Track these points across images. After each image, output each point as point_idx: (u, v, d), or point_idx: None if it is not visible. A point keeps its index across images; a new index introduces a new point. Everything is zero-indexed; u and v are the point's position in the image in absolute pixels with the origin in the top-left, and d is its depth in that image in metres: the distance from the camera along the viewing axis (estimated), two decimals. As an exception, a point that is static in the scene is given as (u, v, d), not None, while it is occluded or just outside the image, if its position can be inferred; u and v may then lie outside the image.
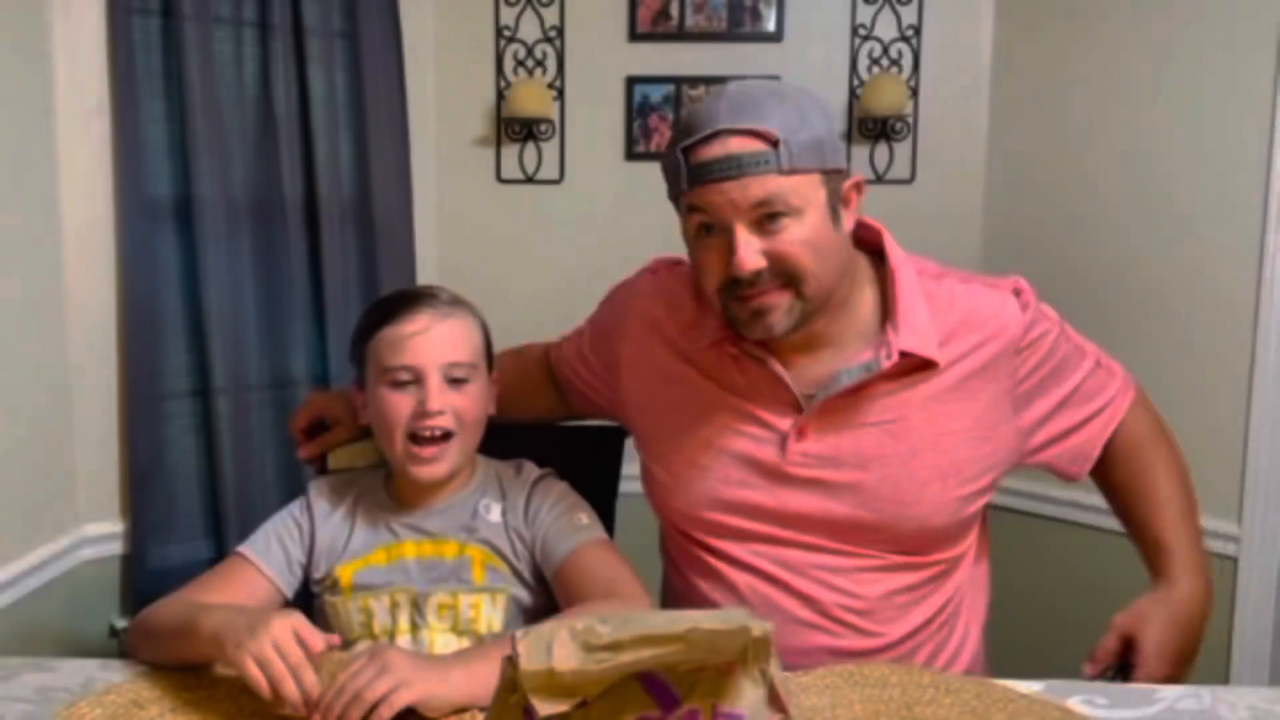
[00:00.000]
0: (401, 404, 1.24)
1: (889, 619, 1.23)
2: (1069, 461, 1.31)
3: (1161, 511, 1.29)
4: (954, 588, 1.28)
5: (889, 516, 1.21)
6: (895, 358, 1.17)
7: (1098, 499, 1.37)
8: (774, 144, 1.09)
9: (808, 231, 1.12)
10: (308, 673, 0.97)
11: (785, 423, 1.22)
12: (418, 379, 1.24)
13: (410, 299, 1.28)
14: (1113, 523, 1.37)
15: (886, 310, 1.21)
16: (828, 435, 1.21)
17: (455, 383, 1.25)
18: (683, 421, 1.28)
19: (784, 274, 1.14)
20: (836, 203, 1.15)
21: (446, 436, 1.24)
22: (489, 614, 1.25)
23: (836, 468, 1.21)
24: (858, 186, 1.18)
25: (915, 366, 1.20)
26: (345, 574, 1.27)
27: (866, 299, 1.23)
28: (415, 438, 1.24)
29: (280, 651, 0.97)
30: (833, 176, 1.14)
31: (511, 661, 0.69)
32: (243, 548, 1.28)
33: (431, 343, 1.24)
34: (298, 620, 1.01)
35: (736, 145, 1.10)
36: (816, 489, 1.21)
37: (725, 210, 1.12)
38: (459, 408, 1.24)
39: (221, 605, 1.11)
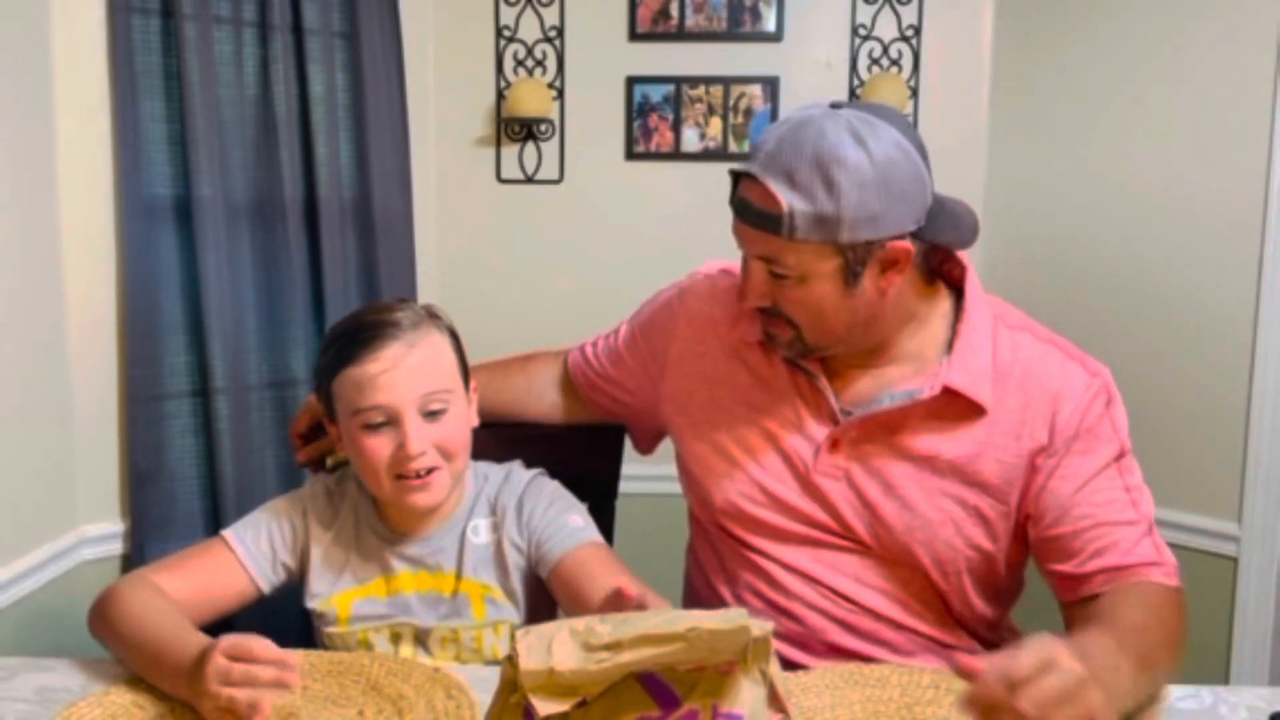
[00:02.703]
0: (380, 447, 1.17)
1: (923, 619, 1.23)
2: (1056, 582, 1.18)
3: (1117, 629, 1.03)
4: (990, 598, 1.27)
5: (900, 550, 1.20)
6: (938, 390, 1.15)
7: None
8: (780, 213, 1.08)
9: (809, 295, 1.13)
10: (264, 671, 0.96)
11: (822, 431, 1.22)
12: (393, 419, 1.17)
13: (371, 331, 1.18)
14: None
15: (951, 346, 1.19)
16: (859, 453, 1.20)
17: (434, 414, 1.18)
18: (723, 420, 1.28)
19: (785, 317, 1.16)
20: (859, 268, 1.11)
21: (432, 469, 1.20)
22: (492, 644, 1.24)
23: (859, 490, 1.20)
24: (900, 254, 1.11)
25: (961, 409, 1.17)
26: (344, 603, 1.25)
27: (936, 331, 1.21)
28: (400, 476, 1.19)
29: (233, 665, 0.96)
30: (853, 247, 1.09)
31: (511, 661, 0.70)
32: (228, 533, 1.25)
33: (402, 379, 1.16)
34: (233, 640, 0.99)
35: (756, 197, 1.11)
36: (839, 505, 1.21)
37: (745, 245, 1.16)
38: (440, 440, 1.19)
39: (180, 648, 1.06)
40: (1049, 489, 1.16)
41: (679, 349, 1.34)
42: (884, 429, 1.20)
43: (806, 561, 1.24)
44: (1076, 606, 1.16)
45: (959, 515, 1.18)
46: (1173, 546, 1.98)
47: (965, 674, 0.83)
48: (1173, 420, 2.13)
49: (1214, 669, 2.09)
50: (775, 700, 0.74)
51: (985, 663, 0.83)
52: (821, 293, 1.12)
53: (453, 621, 1.24)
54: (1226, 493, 2.07)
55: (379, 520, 1.28)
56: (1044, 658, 0.83)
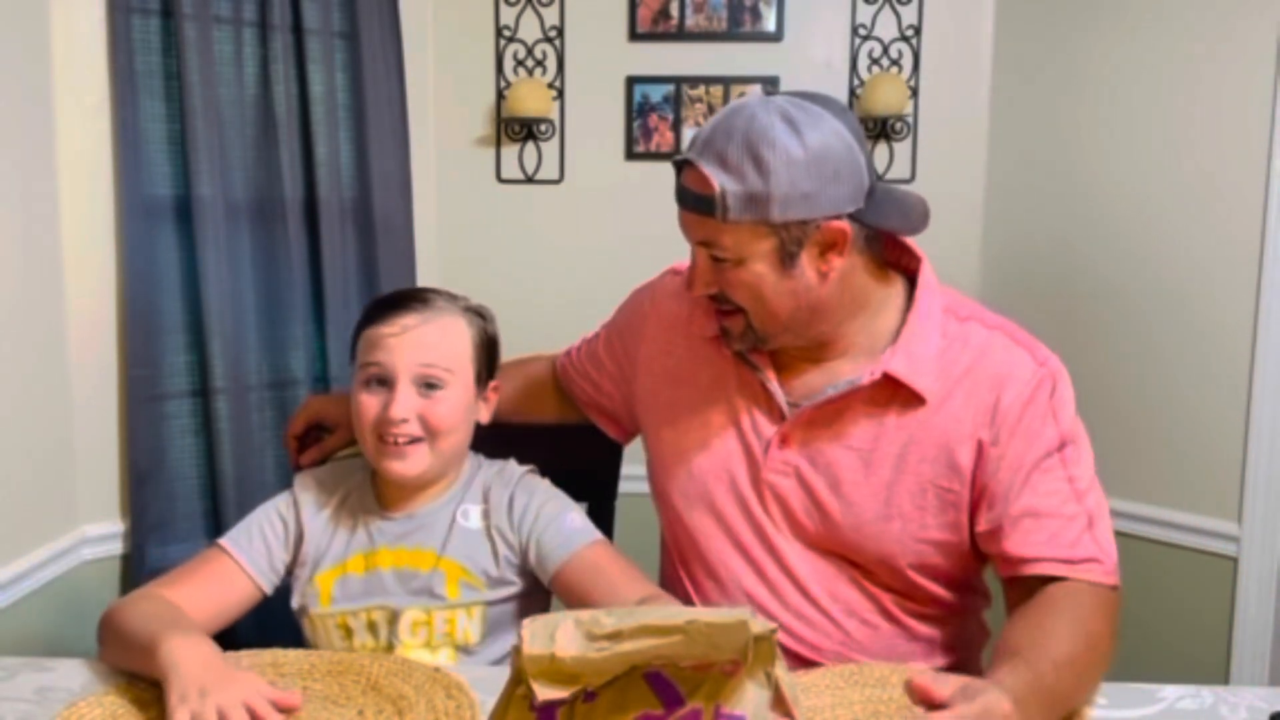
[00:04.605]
0: (371, 404, 1.22)
1: (859, 633, 1.23)
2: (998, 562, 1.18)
3: (1039, 653, 1.03)
4: (954, 628, 1.26)
5: (851, 546, 1.20)
6: (878, 376, 1.16)
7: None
8: (713, 194, 1.09)
9: (747, 276, 1.13)
10: None
11: (771, 429, 1.22)
12: (388, 381, 1.21)
13: (402, 300, 1.25)
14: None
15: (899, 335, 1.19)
16: (808, 447, 1.21)
17: (429, 387, 1.22)
18: (682, 419, 1.28)
19: (731, 302, 1.17)
20: (794, 249, 1.11)
21: (414, 440, 1.22)
22: (464, 626, 1.24)
23: (808, 485, 1.21)
24: (837, 235, 1.11)
25: (905, 398, 1.17)
26: (325, 583, 1.27)
27: (887, 322, 1.21)
28: (381, 439, 1.23)
29: None
30: (787, 227, 1.10)
31: (519, 651, 0.70)
32: (223, 540, 1.27)
33: (405, 344, 1.21)
34: (255, 690, 0.98)
35: (692, 182, 1.13)
36: (790, 502, 1.22)
37: (687, 231, 1.17)
38: (428, 414, 1.21)
39: (187, 634, 1.07)
40: (997, 478, 1.15)
41: (648, 350, 1.35)
42: (829, 419, 1.20)
43: (757, 558, 1.24)
44: (1014, 585, 1.15)
45: (907, 510, 1.18)
46: (1173, 546, 1.99)
47: (914, 696, 0.88)
48: (1173, 420, 2.13)
49: (1214, 669, 2.09)
50: (781, 704, 0.74)
51: (929, 686, 0.88)
52: (759, 274, 1.13)
53: (425, 601, 1.24)
54: (1226, 493, 2.07)
55: (372, 497, 1.30)
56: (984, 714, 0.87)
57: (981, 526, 1.17)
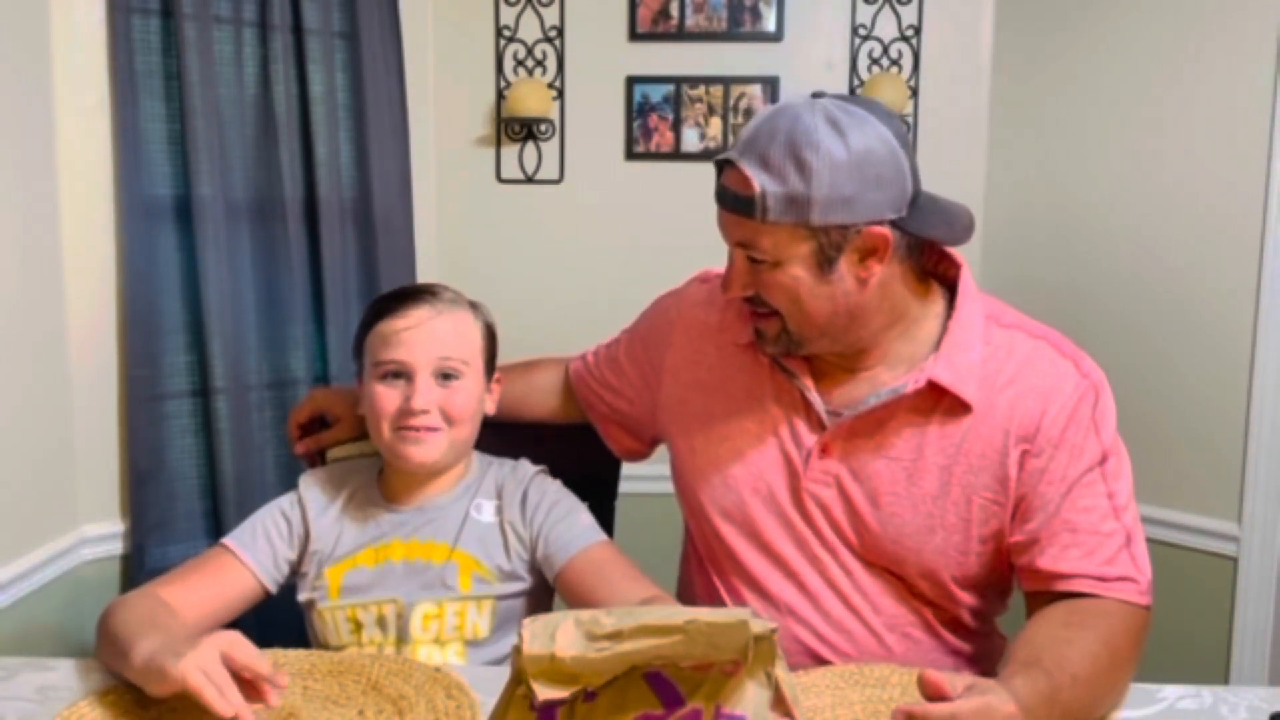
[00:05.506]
0: (390, 398, 1.24)
1: (899, 647, 1.22)
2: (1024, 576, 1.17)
3: (1061, 671, 1.00)
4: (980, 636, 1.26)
5: (892, 557, 1.19)
6: (923, 384, 1.14)
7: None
8: (753, 194, 1.08)
9: (784, 280, 1.12)
10: (233, 690, 0.94)
11: (812, 438, 1.21)
12: (407, 374, 1.24)
13: (410, 294, 1.28)
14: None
15: (940, 343, 1.17)
16: (850, 458, 1.19)
17: (446, 378, 1.25)
18: (716, 428, 1.27)
19: (767, 305, 1.16)
20: (834, 254, 1.10)
21: (432, 430, 1.25)
22: (474, 620, 1.25)
23: (848, 496, 1.19)
24: (878, 241, 1.10)
25: (949, 406, 1.15)
26: (334, 576, 1.27)
27: (928, 330, 1.19)
28: (401, 429, 1.24)
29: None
30: (826, 231, 1.09)
31: (519, 652, 0.70)
32: (227, 539, 1.28)
33: (423, 338, 1.24)
34: (234, 638, 0.98)
35: (733, 182, 1.12)
36: (832, 511, 1.21)
37: (725, 231, 1.16)
38: (447, 404, 1.24)
39: (160, 629, 1.07)
40: (1036, 491, 1.14)
41: (675, 358, 1.33)
42: (870, 429, 1.18)
43: (797, 570, 1.23)
44: (1040, 597, 1.14)
45: (951, 522, 1.17)
46: (1173, 546, 1.99)
47: (926, 690, 0.87)
48: (1173, 420, 2.14)
49: (1214, 669, 2.09)
50: (781, 704, 0.74)
51: (942, 682, 0.87)
52: (796, 277, 1.11)
53: (436, 593, 1.24)
54: (1226, 493, 2.07)
55: (378, 492, 1.32)
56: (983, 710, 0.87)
57: (1016, 537, 1.16)
